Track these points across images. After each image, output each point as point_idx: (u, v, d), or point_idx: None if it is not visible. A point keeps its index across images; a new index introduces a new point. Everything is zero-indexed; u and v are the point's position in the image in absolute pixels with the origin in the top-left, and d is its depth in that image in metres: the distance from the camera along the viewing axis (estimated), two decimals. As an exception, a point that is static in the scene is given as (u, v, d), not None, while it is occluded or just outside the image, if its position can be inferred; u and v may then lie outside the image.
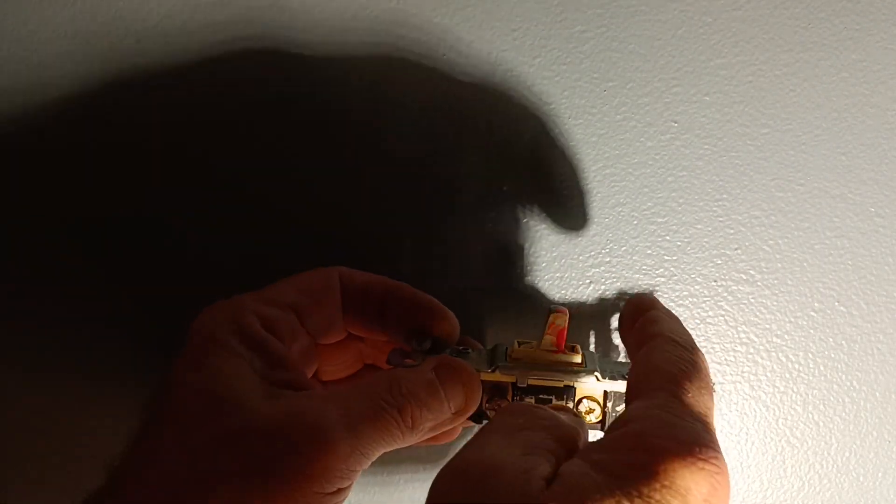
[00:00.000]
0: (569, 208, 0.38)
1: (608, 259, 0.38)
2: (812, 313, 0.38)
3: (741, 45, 0.37)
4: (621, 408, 0.32)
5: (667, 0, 0.37)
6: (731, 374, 0.38)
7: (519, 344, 0.33)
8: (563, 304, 0.36)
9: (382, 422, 0.27)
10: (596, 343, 0.38)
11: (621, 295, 0.38)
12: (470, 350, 0.33)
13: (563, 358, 0.32)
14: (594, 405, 0.32)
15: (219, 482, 0.25)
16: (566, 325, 0.32)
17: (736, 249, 0.38)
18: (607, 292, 0.38)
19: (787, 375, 0.38)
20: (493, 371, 0.32)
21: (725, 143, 0.37)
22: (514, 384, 0.32)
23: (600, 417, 0.32)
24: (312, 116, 0.36)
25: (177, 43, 0.35)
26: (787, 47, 0.37)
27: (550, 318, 0.32)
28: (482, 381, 0.32)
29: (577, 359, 0.32)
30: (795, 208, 0.38)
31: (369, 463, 0.28)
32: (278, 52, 0.36)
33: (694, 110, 0.37)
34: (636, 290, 0.38)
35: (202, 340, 0.29)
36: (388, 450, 0.28)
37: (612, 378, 0.32)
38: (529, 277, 0.38)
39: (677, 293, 0.38)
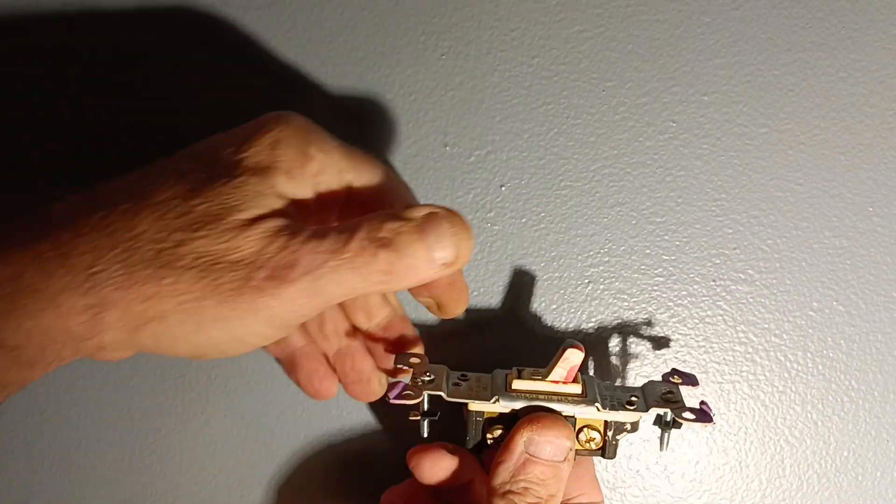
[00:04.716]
0: (567, 208, 0.38)
1: (607, 259, 0.38)
2: (810, 312, 0.38)
3: (739, 44, 0.37)
4: (622, 436, 0.32)
5: (665, 0, 0.37)
6: (729, 374, 0.38)
7: (518, 372, 0.32)
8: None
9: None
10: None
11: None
12: (469, 376, 0.33)
13: (565, 389, 0.32)
14: (595, 434, 0.32)
15: None
16: (580, 364, 0.31)
17: (734, 249, 0.38)
18: (606, 291, 0.38)
19: (786, 375, 0.38)
20: (495, 402, 0.32)
21: (724, 143, 0.37)
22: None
23: (600, 445, 0.32)
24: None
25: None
26: (785, 47, 0.37)
27: (566, 354, 0.31)
28: (483, 414, 0.32)
29: (578, 388, 0.32)
30: (794, 208, 0.38)
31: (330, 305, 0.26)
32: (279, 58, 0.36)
33: (692, 110, 0.37)
34: (635, 291, 0.38)
35: None
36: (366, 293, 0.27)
37: (613, 408, 0.31)
38: (528, 277, 0.38)
39: (676, 293, 0.38)
